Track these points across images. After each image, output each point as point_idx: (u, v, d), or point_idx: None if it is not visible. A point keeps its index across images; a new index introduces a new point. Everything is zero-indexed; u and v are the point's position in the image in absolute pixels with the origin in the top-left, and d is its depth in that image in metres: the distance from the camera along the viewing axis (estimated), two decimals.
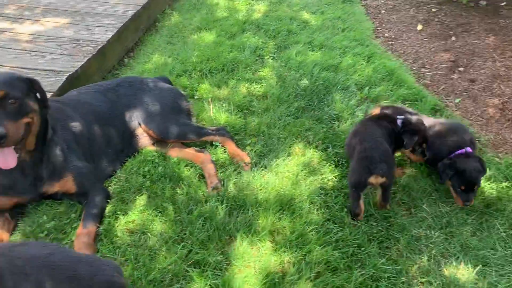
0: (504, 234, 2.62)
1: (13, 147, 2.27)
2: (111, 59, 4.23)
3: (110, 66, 4.21)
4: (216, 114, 3.41)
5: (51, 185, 2.52)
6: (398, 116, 2.88)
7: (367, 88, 3.86)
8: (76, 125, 2.69)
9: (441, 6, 5.44)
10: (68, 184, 2.53)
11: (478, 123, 3.65)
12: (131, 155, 3.00)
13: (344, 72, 4.07)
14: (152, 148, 3.05)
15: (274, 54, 4.37)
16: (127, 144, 2.99)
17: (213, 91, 3.69)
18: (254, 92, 3.74)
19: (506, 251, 2.52)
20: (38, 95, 2.45)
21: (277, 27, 4.82)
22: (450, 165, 2.78)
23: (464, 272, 2.39)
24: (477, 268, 2.39)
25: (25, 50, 3.91)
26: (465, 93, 3.99)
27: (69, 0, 4.91)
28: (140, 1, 4.95)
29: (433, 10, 5.40)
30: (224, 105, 3.53)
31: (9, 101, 2.23)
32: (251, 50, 4.33)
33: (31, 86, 2.41)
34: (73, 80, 3.53)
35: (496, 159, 3.23)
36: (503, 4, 5.29)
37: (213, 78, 3.86)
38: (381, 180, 2.57)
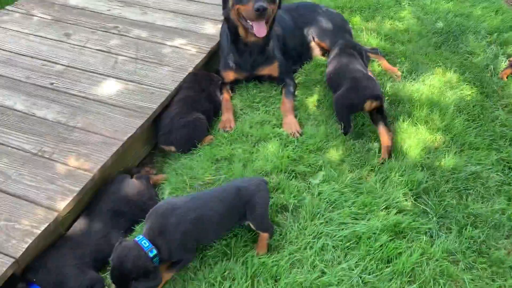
0: None
1: (264, 22, 3.11)
2: None
3: None
4: (368, 39, 4.15)
5: (263, 69, 3.43)
6: None
7: (496, 34, 4.42)
8: (277, 29, 3.56)
9: None
10: (274, 69, 3.43)
11: None
12: (306, 61, 3.83)
13: (475, 19, 4.63)
14: (322, 57, 3.87)
15: (410, 1, 4.99)
16: (305, 52, 3.83)
17: (363, 24, 4.44)
18: (397, 28, 4.43)
19: None
20: None
21: None
22: None
23: None
24: None
25: None
26: None
27: None
28: None
29: None
30: (373, 34, 4.27)
31: None
32: None
33: None
34: None
35: None
36: None
37: (362, 14, 4.59)
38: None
